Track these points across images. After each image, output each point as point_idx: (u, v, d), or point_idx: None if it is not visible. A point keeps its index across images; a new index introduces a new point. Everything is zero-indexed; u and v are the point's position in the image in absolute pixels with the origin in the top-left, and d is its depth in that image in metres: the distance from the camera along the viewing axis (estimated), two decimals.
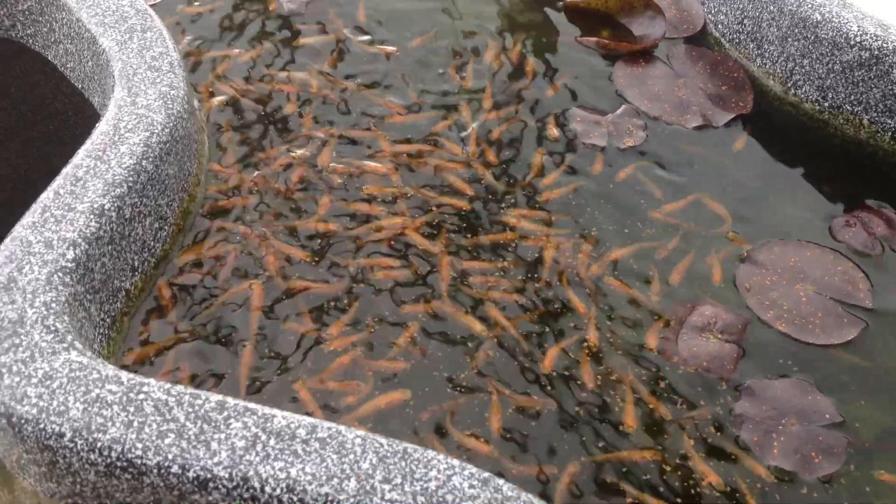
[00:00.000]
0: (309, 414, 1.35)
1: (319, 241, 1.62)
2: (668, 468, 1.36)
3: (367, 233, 1.64)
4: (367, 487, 1.06)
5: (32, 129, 2.02)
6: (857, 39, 1.84)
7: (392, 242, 1.63)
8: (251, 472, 1.07)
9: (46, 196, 1.35)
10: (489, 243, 1.65)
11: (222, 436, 1.10)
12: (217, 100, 1.87)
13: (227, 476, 1.07)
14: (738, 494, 1.34)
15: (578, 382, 1.45)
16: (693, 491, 1.34)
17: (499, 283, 1.58)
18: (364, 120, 1.87)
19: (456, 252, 1.62)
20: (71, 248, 1.29)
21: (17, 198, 2.18)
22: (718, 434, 1.41)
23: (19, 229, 1.31)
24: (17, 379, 1.14)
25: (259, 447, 1.09)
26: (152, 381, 1.15)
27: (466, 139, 1.85)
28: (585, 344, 1.50)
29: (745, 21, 2.06)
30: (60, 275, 1.26)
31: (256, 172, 1.72)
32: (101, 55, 1.61)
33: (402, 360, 1.45)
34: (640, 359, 1.50)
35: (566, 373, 1.46)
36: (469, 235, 1.66)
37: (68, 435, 1.10)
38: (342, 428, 1.12)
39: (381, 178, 1.75)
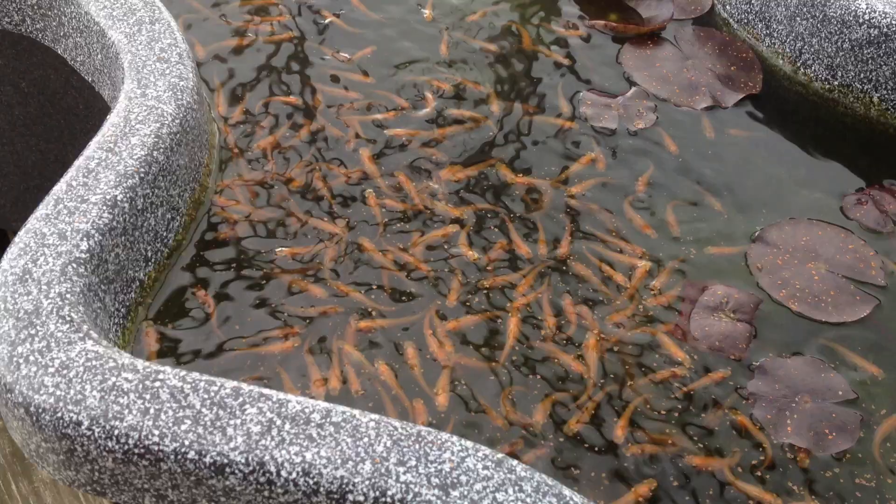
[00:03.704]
0: None
1: None
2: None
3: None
4: (382, 470, 1.07)
5: (44, 122, 2.03)
6: (866, 17, 1.83)
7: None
8: (267, 457, 1.08)
9: (59, 188, 1.36)
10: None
11: (238, 421, 1.11)
12: None
13: (243, 461, 1.08)
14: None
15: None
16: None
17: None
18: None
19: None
20: (84, 239, 1.30)
21: (30, 190, 2.20)
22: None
23: (33, 221, 1.32)
24: (34, 369, 1.15)
25: (274, 432, 1.10)
26: (168, 368, 1.17)
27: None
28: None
29: (753, 1, 2.05)
30: (74, 266, 1.27)
31: None
32: (111, 48, 1.62)
33: None
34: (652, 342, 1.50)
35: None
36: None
37: (86, 423, 1.11)
38: (356, 412, 1.13)
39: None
